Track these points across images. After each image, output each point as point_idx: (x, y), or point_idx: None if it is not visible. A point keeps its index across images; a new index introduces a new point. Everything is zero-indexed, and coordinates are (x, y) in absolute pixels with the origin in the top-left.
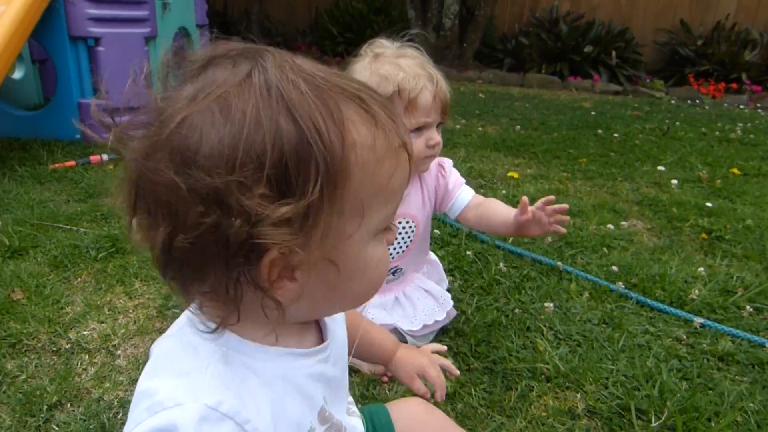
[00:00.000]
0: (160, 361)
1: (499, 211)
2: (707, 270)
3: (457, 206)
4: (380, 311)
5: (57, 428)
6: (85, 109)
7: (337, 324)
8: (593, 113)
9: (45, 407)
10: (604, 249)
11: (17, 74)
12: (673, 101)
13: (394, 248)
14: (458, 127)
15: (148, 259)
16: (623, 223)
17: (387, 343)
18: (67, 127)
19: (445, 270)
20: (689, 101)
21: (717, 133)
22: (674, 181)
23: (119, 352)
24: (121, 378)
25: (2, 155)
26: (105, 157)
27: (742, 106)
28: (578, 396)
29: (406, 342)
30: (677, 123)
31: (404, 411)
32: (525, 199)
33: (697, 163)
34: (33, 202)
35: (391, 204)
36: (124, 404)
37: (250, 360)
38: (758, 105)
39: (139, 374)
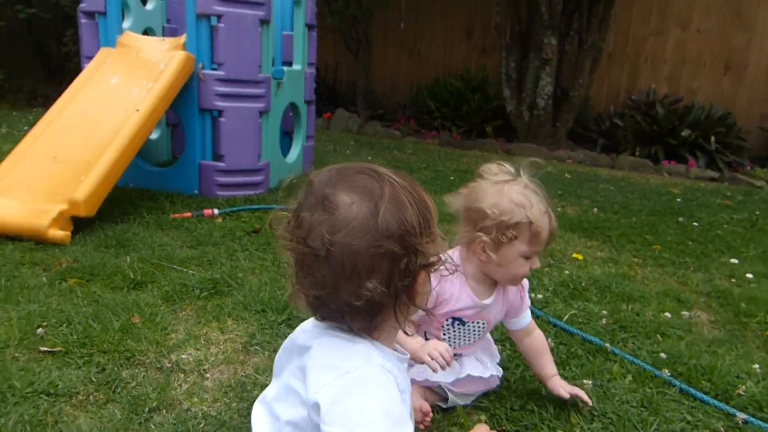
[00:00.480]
0: (331, 352)
1: (541, 359)
2: (763, 368)
3: (516, 325)
4: (427, 369)
5: (154, 427)
6: (204, 168)
7: None
8: (679, 199)
9: (147, 410)
10: (658, 336)
11: (154, 135)
12: None
13: (464, 340)
14: None
15: (241, 301)
16: (684, 312)
17: None
18: (189, 183)
19: (497, 339)
20: None
21: None
22: (749, 275)
23: (208, 375)
24: (206, 396)
25: (135, 203)
26: (216, 211)
27: None
28: None
29: (446, 400)
30: None
31: None
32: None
33: None
34: (155, 244)
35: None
36: (206, 416)
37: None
38: None
39: (222, 395)
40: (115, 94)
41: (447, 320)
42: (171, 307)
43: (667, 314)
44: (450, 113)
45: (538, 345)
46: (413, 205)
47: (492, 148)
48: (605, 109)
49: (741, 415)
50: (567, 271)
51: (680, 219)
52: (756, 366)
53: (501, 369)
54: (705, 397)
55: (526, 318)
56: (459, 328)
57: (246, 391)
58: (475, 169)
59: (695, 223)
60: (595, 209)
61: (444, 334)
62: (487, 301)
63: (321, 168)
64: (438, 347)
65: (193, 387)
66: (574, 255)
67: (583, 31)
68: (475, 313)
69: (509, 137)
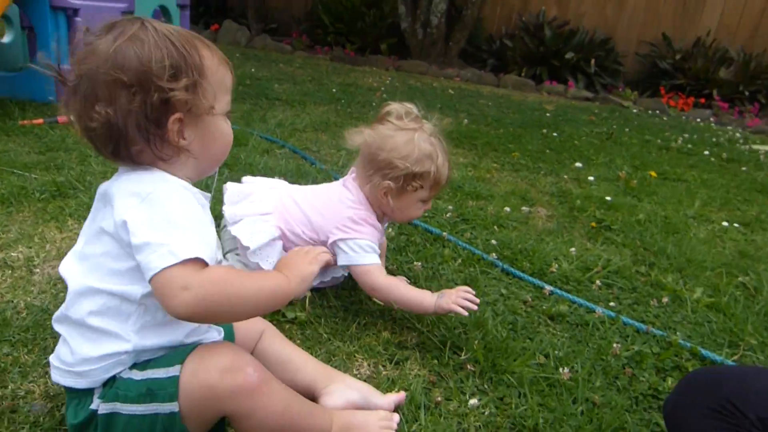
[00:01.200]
0: (131, 181)
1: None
2: (578, 251)
3: None
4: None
5: None
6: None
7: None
8: (549, 114)
9: None
10: (495, 227)
11: (6, 38)
12: (635, 110)
13: None
14: None
15: (85, 203)
16: (525, 208)
17: None
18: (43, 90)
19: None
20: (655, 112)
21: (659, 141)
22: (591, 178)
23: (37, 270)
24: (32, 288)
25: None
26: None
27: (699, 120)
28: (414, 333)
29: None
30: (627, 129)
31: None
32: None
33: (624, 164)
34: None
35: (228, 96)
36: (29, 306)
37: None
38: (717, 120)
39: (51, 287)
40: None
41: None
42: (6, 209)
43: (508, 209)
44: (344, 29)
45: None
46: (162, 48)
47: (383, 65)
48: (497, 30)
49: (548, 287)
50: None
51: (544, 131)
52: (573, 249)
53: None
54: (521, 275)
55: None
56: None
57: None
58: (361, 83)
59: (555, 134)
60: (467, 121)
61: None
62: (383, 226)
63: None
64: (461, 294)
65: (19, 281)
66: None
67: None
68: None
69: (403, 55)
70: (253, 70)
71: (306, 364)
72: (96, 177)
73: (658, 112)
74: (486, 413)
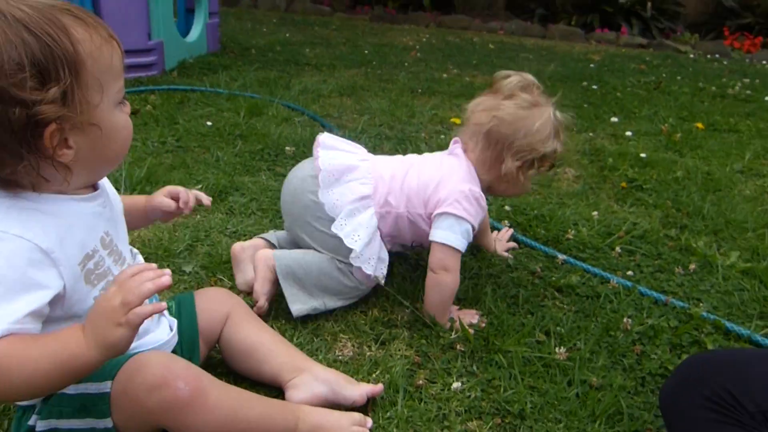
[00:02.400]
0: None
1: None
2: (602, 215)
3: None
4: None
5: None
6: None
7: (107, 184)
8: (593, 65)
9: None
10: None
11: None
12: (692, 56)
13: None
14: (445, 76)
15: None
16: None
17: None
18: None
19: None
20: (714, 56)
21: (714, 88)
22: (629, 133)
23: None
24: None
25: None
26: None
27: (765, 62)
28: (406, 311)
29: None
30: (679, 77)
31: (207, 294)
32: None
33: (669, 116)
34: None
35: (119, 81)
36: None
37: (42, 205)
38: None
39: None
40: None
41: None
42: None
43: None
44: None
45: None
46: (20, 44)
47: (423, 21)
48: None
49: (561, 256)
50: (443, 136)
51: (584, 83)
52: (595, 213)
53: None
54: (532, 243)
55: None
56: None
57: None
58: (397, 43)
59: (594, 87)
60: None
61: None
62: None
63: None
64: (474, 317)
65: None
66: (454, 119)
67: None
68: None
69: (447, 10)
70: (287, 35)
71: (272, 354)
72: None
73: (718, 56)
74: (471, 396)
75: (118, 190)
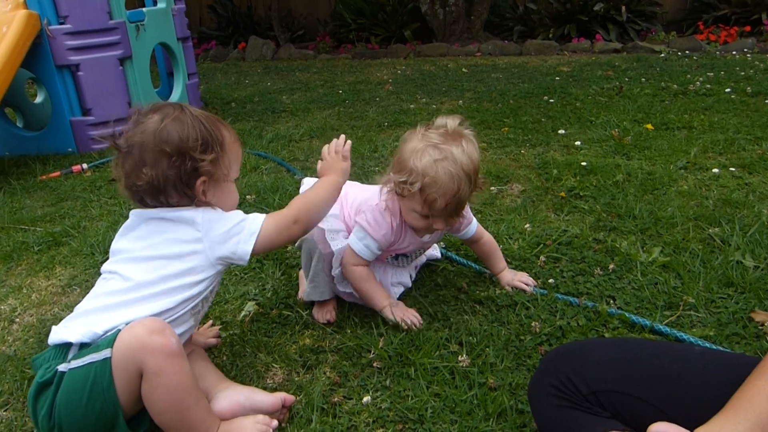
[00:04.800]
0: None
1: (491, 259)
2: (537, 225)
3: (464, 237)
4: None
5: None
6: (76, 125)
7: None
8: (558, 78)
9: None
10: None
11: (39, 99)
12: (662, 55)
13: (406, 263)
14: (412, 106)
15: (75, 248)
16: (493, 188)
17: None
18: (64, 142)
19: None
20: (685, 52)
21: (676, 86)
22: (578, 143)
23: (17, 319)
24: (9, 338)
25: (5, 171)
26: (85, 166)
27: (734, 52)
28: (337, 337)
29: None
30: (643, 80)
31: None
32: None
33: (624, 120)
34: (14, 208)
35: (238, 165)
36: (0, 355)
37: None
38: (761, 47)
39: (24, 334)
40: None
41: (390, 256)
42: (7, 265)
43: None
44: (366, 23)
45: (487, 248)
46: (196, 129)
47: (402, 53)
48: None
49: (487, 271)
50: None
51: (545, 97)
52: (528, 225)
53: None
54: (461, 260)
55: (471, 230)
56: (403, 259)
57: (45, 327)
58: (372, 79)
59: (552, 100)
60: (461, 102)
61: (391, 261)
62: (427, 237)
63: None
64: (410, 317)
65: (0, 333)
66: None
67: None
68: (418, 247)
69: (429, 38)
70: (269, 83)
71: (206, 375)
72: (93, 221)
73: (688, 51)
74: (382, 408)
75: (94, 254)
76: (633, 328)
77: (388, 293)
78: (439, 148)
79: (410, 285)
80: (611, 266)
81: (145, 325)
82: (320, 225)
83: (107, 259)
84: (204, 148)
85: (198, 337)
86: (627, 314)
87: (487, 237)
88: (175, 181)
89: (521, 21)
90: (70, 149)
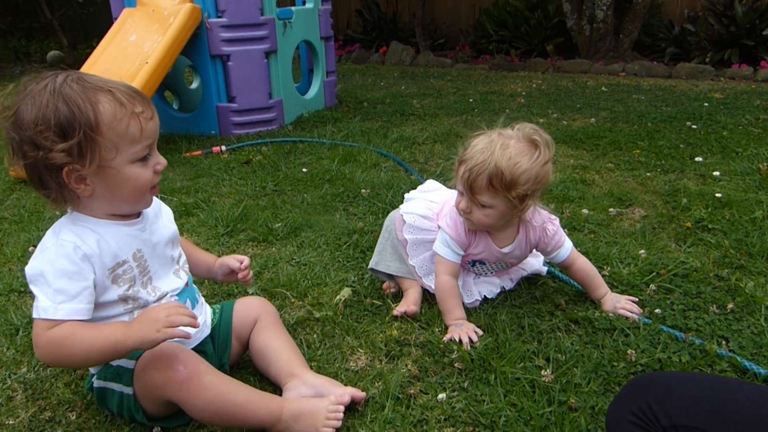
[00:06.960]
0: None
1: (590, 284)
2: (650, 254)
3: (555, 260)
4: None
5: None
6: (221, 110)
7: (158, 217)
8: (707, 105)
9: None
10: (566, 230)
11: (193, 85)
12: None
13: (489, 272)
14: (542, 120)
15: (202, 219)
16: (612, 210)
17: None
18: (209, 125)
19: None
20: None
21: None
22: (717, 173)
23: None
24: None
25: (159, 147)
26: (223, 148)
27: None
28: (424, 333)
29: None
30: None
31: (245, 301)
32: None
33: None
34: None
35: (138, 145)
36: None
37: (92, 225)
38: None
39: None
40: (132, 50)
41: (468, 261)
42: None
43: (586, 210)
44: (508, 35)
45: (583, 273)
46: (50, 110)
47: (541, 67)
48: (679, 15)
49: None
50: None
51: (688, 123)
52: (642, 251)
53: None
54: (564, 277)
55: (561, 254)
56: (481, 266)
57: None
58: (505, 90)
59: (695, 126)
60: (593, 120)
61: (470, 267)
62: (506, 249)
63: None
64: (465, 333)
65: None
66: None
67: None
68: (497, 258)
69: (571, 55)
70: (403, 87)
71: (276, 359)
72: (222, 197)
73: None
74: (456, 407)
75: (217, 227)
76: (744, 374)
77: (463, 314)
78: (494, 135)
79: (499, 290)
80: (730, 305)
81: (155, 362)
82: (405, 217)
83: (229, 231)
84: (61, 133)
85: (227, 278)
86: (739, 358)
87: (582, 262)
88: (41, 170)
89: (675, 42)
90: (213, 132)
